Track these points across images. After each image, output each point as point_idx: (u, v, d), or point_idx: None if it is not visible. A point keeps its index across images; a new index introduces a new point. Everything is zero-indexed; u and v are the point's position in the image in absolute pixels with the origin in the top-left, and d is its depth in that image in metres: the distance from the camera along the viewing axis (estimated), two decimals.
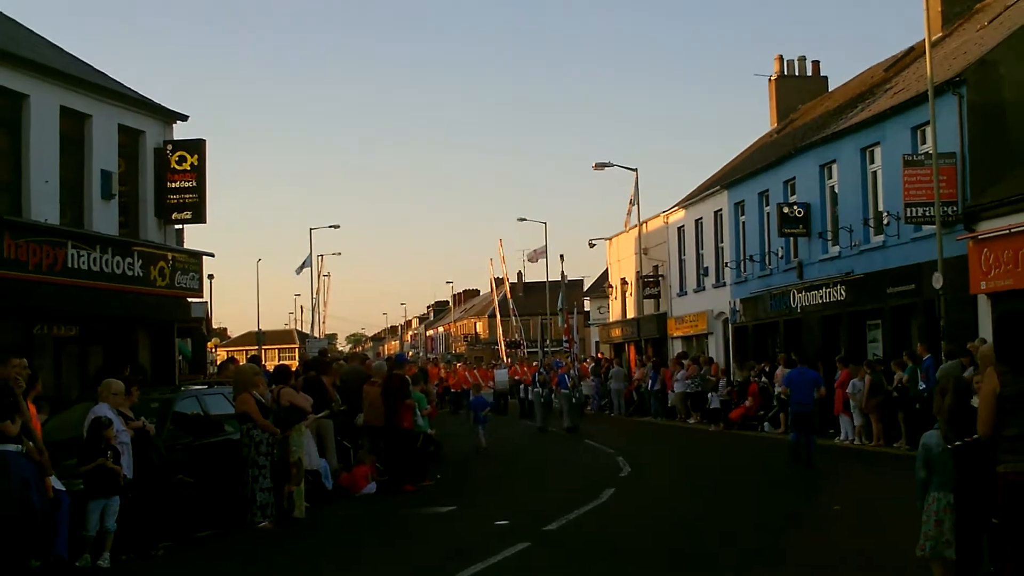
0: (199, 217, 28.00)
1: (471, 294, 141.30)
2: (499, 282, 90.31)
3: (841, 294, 32.49)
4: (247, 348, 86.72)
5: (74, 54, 27.45)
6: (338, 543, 15.26)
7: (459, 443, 29.36)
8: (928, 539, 9.32)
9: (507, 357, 70.72)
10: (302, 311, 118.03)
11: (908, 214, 27.12)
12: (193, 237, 29.64)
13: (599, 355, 56.64)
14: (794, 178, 36.52)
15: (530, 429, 36.71)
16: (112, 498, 13.27)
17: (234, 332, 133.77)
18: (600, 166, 48.73)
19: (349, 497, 19.28)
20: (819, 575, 11.68)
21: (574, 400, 37.00)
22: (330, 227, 77.58)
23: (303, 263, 70.96)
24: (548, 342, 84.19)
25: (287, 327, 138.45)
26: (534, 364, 49.98)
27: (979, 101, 26.78)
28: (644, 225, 50.46)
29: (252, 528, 15.72)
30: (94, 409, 13.87)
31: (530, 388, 42.94)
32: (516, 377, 49.11)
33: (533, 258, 73.65)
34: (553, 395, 38.62)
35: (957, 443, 9.05)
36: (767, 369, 33.56)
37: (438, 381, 45.35)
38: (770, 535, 14.56)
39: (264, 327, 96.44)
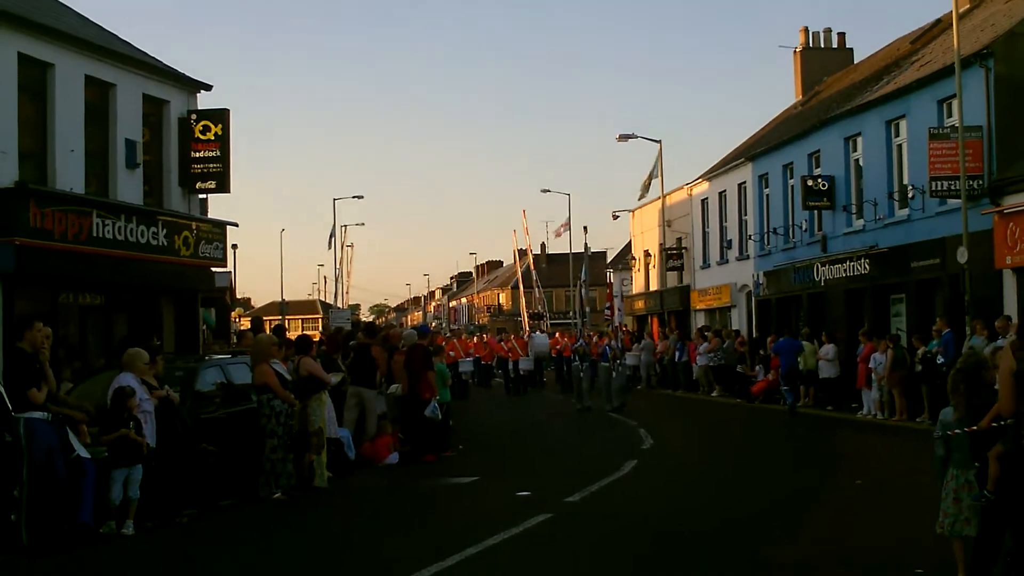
0: (223, 187, 28.04)
1: (494, 265, 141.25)
2: (522, 253, 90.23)
3: (865, 268, 32.37)
4: (270, 318, 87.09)
5: (98, 23, 27.48)
6: (361, 512, 15.36)
7: (482, 417, 29.58)
8: (947, 516, 9.33)
9: (529, 328, 70.56)
10: (325, 281, 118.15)
11: (933, 188, 26.96)
12: (217, 207, 29.79)
13: (622, 327, 56.52)
14: (819, 151, 36.36)
15: (559, 404, 36.05)
16: (134, 467, 13.36)
17: (258, 302, 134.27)
18: (624, 137, 48.53)
19: (371, 467, 19.40)
20: (838, 550, 11.65)
21: (615, 375, 32.44)
22: (354, 198, 77.13)
23: (331, 235, 70.99)
24: (575, 313, 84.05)
25: (310, 297, 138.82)
26: (573, 334, 46.93)
27: (1006, 74, 26.56)
28: (667, 197, 50.32)
29: (269, 498, 15.81)
30: (118, 378, 13.97)
31: (570, 360, 38.93)
32: (557, 347, 45.14)
33: (559, 233, 73.67)
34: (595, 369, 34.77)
35: (971, 428, 9.03)
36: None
37: (470, 351, 43.91)
38: (791, 509, 14.58)
39: (287, 297, 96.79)
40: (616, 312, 46.62)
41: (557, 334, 49.09)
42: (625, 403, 31.59)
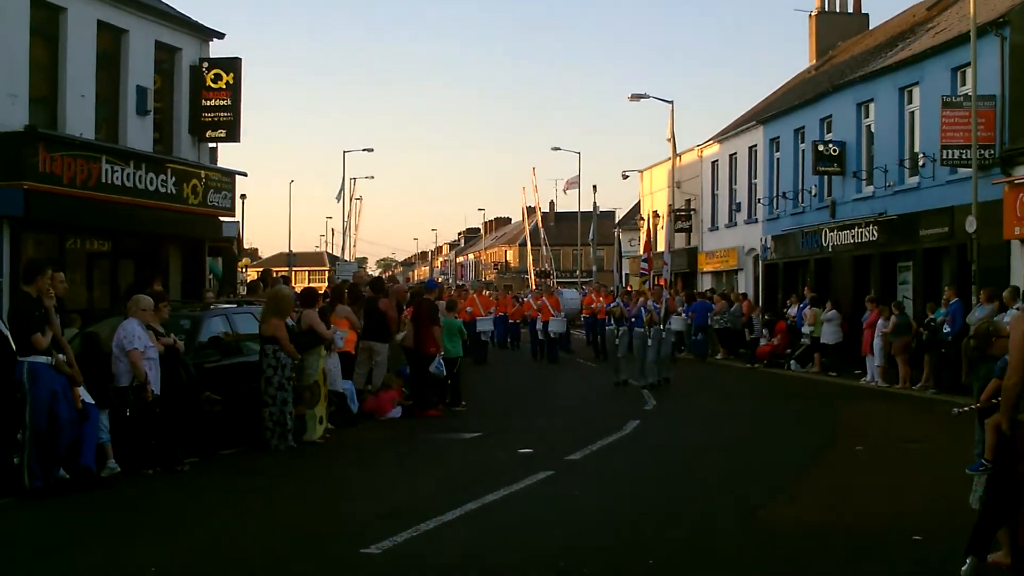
0: (233, 136, 28.00)
1: (503, 222, 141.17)
2: (531, 211, 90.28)
3: (873, 234, 32.29)
4: (277, 269, 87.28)
5: None
6: (360, 464, 15.41)
7: (494, 377, 29.60)
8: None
9: (537, 286, 70.48)
10: (333, 234, 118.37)
11: (944, 156, 26.83)
12: (226, 156, 29.69)
13: (627, 287, 56.22)
14: (831, 116, 36.20)
15: (581, 369, 34.84)
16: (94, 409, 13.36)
17: (265, 253, 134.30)
18: (635, 97, 48.31)
19: (374, 420, 19.45)
20: (836, 515, 11.67)
21: (650, 342, 26.72)
22: (364, 151, 77.44)
23: (340, 189, 71.06)
24: (579, 273, 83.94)
25: (318, 249, 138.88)
26: (606, 292, 38.99)
27: (1022, 43, 26.33)
28: (678, 158, 50.16)
29: (272, 449, 15.88)
30: (122, 324, 13.98)
31: (603, 324, 32.41)
32: (592, 307, 38.55)
33: (568, 187, 73.45)
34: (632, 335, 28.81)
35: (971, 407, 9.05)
36: (790, 306, 33.78)
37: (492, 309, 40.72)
38: (790, 472, 14.60)
39: (295, 249, 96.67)
40: (665, 265, 43.38)
41: (591, 293, 42.74)
42: (669, 378, 27.37)
